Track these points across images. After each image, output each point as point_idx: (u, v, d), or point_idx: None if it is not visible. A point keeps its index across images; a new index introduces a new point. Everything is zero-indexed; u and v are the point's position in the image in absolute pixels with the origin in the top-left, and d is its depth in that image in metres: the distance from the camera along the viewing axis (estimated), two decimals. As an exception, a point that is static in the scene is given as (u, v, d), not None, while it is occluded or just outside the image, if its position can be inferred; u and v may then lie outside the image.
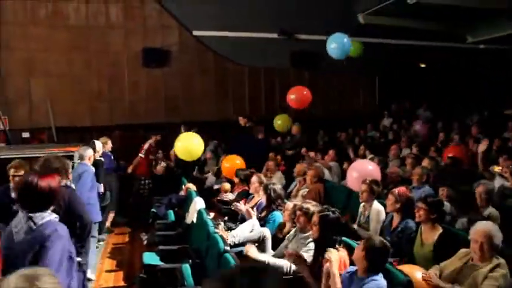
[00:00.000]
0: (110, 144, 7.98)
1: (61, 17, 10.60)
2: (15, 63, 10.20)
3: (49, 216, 2.77)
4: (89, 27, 10.75)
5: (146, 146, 8.86)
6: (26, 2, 10.32)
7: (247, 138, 9.24)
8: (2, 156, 6.61)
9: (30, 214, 2.73)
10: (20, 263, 2.58)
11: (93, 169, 5.87)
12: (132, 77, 10.96)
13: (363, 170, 6.05)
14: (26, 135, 9.99)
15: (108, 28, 10.90)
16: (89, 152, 5.94)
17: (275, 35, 11.62)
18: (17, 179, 4.43)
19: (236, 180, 6.86)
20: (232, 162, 7.37)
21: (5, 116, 9.62)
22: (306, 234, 4.35)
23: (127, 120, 10.53)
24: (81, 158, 5.83)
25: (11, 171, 4.62)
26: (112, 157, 8.04)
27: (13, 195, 4.34)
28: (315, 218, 4.02)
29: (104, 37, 10.82)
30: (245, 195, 6.40)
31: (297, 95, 8.75)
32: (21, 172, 4.49)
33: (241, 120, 9.65)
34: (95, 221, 5.60)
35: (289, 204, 5.01)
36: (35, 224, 2.71)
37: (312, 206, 4.38)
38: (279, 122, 10.28)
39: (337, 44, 8.02)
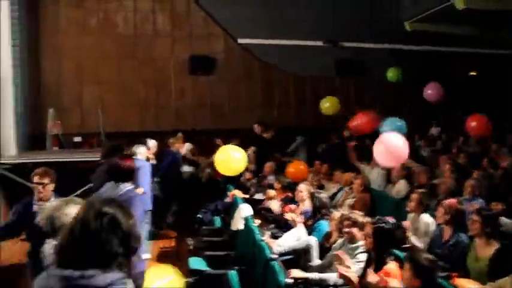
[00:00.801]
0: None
1: (111, 25, 11.00)
2: (68, 71, 10.70)
3: (130, 186, 4.06)
4: (137, 35, 11.10)
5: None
6: (79, 12, 10.76)
7: None
8: (58, 160, 6.88)
9: (118, 183, 3.98)
10: None
11: (148, 164, 6.37)
12: (179, 84, 11.22)
13: (391, 144, 5.91)
14: (77, 139, 10.35)
15: (155, 36, 11.21)
16: (141, 149, 6.51)
17: (320, 43, 11.58)
18: (40, 188, 3.96)
19: (277, 186, 6.84)
20: (297, 168, 7.37)
21: (59, 121, 10.01)
22: (355, 245, 4.28)
23: (173, 126, 10.72)
24: (134, 154, 6.18)
25: (35, 179, 4.03)
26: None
27: (35, 207, 3.93)
28: (368, 229, 3.94)
29: (151, 45, 11.12)
30: (289, 202, 6.37)
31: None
32: (46, 180, 3.99)
33: (257, 128, 9.42)
34: (147, 209, 5.91)
35: (336, 214, 4.95)
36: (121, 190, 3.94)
37: (360, 217, 4.31)
38: (327, 104, 9.90)
39: (391, 127, 7.60)
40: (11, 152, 9.47)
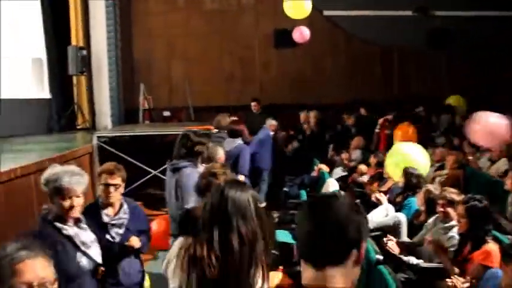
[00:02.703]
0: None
1: (198, 2, 11.23)
2: (158, 49, 11.18)
3: (239, 141, 5.64)
4: (223, 11, 11.24)
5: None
6: (167, -9, 11.15)
7: None
8: (149, 133, 7.22)
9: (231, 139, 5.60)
10: None
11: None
12: (263, 58, 11.26)
13: (487, 122, 5.30)
14: (166, 114, 10.80)
15: (240, 11, 11.29)
16: (269, 121, 7.85)
17: (409, 12, 11.02)
18: (112, 189, 3.15)
19: (373, 161, 6.69)
20: (405, 131, 7.19)
21: (150, 96, 10.50)
22: (448, 224, 4.12)
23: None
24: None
25: (105, 178, 3.18)
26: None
27: (105, 218, 3.18)
28: (460, 210, 3.77)
29: (236, 20, 11.25)
30: (378, 179, 6.24)
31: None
32: (118, 180, 3.19)
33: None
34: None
35: (428, 191, 4.75)
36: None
37: (456, 196, 4.11)
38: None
39: None
40: (107, 125, 10.12)
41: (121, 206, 3.24)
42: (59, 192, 2.72)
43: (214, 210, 1.91)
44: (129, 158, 7.27)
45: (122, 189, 3.23)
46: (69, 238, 2.75)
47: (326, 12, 11.17)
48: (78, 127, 9.91)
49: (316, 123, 9.14)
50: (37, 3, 9.38)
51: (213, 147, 4.54)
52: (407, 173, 5.17)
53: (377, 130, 8.63)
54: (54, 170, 2.81)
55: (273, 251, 5.23)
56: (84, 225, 2.84)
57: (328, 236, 1.34)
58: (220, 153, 4.52)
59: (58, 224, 2.74)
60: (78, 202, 2.75)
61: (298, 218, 1.48)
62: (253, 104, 9.60)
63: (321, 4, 11.10)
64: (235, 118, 6.75)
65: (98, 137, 7.65)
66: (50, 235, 2.68)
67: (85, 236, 2.81)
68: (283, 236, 5.18)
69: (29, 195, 5.49)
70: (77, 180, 2.74)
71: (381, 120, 8.75)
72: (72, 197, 2.71)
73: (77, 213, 2.78)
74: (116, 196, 3.18)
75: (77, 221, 2.81)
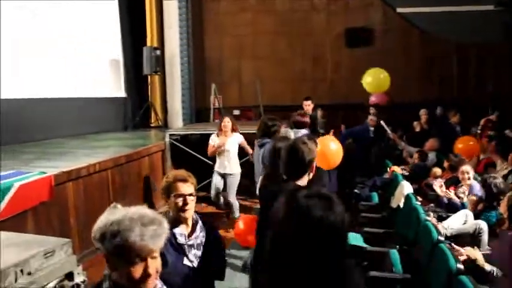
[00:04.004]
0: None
1: (268, 2, 11.25)
2: (229, 48, 11.34)
3: (305, 131, 5.68)
4: (293, 10, 11.19)
5: (483, 121, 8.55)
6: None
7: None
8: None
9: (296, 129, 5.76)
10: None
11: None
12: (335, 57, 11.11)
13: None
14: (236, 112, 10.91)
15: (311, 11, 11.19)
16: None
17: (487, 7, 10.41)
18: (189, 199, 2.46)
19: (446, 164, 6.37)
20: (466, 143, 6.92)
21: (220, 95, 10.66)
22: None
23: (328, 100, 10.68)
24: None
25: (177, 187, 2.48)
26: None
27: (180, 238, 2.46)
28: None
29: (307, 19, 11.15)
30: (454, 183, 5.91)
31: None
32: (192, 188, 2.51)
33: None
34: None
35: (514, 197, 4.41)
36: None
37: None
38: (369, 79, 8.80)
39: None
40: (179, 123, 10.38)
41: (195, 222, 2.56)
42: (124, 253, 1.58)
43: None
44: (199, 156, 7.41)
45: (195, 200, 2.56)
46: None
47: (399, 10, 10.81)
48: (152, 125, 10.25)
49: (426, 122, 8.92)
50: (115, 5, 9.79)
51: (285, 131, 5.48)
52: (487, 183, 4.80)
53: (478, 131, 8.19)
54: (113, 216, 1.65)
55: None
56: None
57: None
58: (291, 135, 5.23)
59: None
60: (155, 266, 1.63)
61: None
62: (306, 103, 7.93)
63: (394, 1, 10.78)
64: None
65: (170, 134, 7.85)
66: None
67: None
68: (354, 239, 5.05)
69: (105, 190, 5.74)
70: (153, 233, 1.60)
71: (482, 121, 8.32)
72: (146, 258, 1.59)
73: (152, 284, 1.65)
74: (192, 209, 2.52)
75: None
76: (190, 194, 2.49)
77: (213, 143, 6.48)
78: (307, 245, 1.42)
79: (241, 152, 6.75)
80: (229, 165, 6.47)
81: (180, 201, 2.46)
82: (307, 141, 2.80)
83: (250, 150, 6.51)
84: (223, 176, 6.54)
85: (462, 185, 5.64)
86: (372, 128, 8.42)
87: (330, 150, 4.83)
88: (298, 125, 5.98)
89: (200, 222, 2.58)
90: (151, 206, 5.72)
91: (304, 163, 2.71)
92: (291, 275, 1.46)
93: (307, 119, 6.17)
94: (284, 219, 1.49)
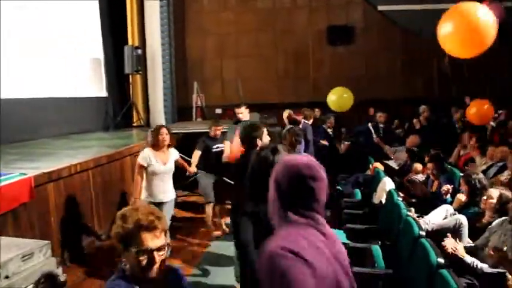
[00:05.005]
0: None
1: (250, 1, 11.24)
2: (211, 46, 11.31)
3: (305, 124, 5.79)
4: (275, 8, 11.20)
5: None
6: (220, -11, 11.24)
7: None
8: (200, 130, 7.29)
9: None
10: None
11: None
12: (317, 56, 11.15)
13: None
14: (218, 111, 10.89)
15: (293, 8, 11.22)
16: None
17: (475, 4, 10.52)
18: (159, 255, 1.73)
19: (427, 160, 6.42)
20: (480, 106, 6.86)
21: (203, 93, 10.63)
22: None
23: (311, 97, 10.72)
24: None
25: (141, 239, 1.71)
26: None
27: None
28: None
29: (289, 17, 11.18)
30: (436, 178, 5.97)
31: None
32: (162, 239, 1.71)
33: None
34: None
35: (493, 192, 4.48)
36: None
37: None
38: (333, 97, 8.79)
39: None
40: (161, 122, 10.30)
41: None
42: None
43: None
44: (182, 155, 7.36)
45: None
46: None
47: (380, 7, 10.89)
48: (134, 124, 10.17)
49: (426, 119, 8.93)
50: (95, 5, 9.69)
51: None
52: (469, 179, 4.81)
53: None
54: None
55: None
56: None
57: None
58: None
59: None
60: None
61: None
62: (239, 110, 6.28)
63: (375, -1, 10.87)
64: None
65: (152, 134, 7.77)
66: None
67: None
68: (336, 235, 5.06)
69: (86, 190, 5.68)
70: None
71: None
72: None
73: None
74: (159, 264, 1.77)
75: None
76: (159, 249, 1.75)
77: (145, 162, 4.83)
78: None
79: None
80: (164, 192, 4.98)
81: (144, 258, 1.72)
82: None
83: (189, 169, 5.86)
84: (158, 206, 4.63)
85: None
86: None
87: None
88: (293, 123, 6.31)
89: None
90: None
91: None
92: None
93: (300, 117, 6.61)
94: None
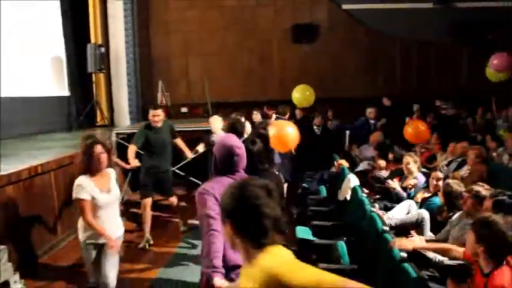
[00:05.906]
0: None
1: (215, -2, 11.20)
2: (176, 45, 11.17)
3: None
4: (241, 6, 11.18)
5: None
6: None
7: None
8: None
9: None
10: None
11: None
12: (282, 54, 11.18)
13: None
14: (184, 110, 10.81)
15: (258, 6, 11.22)
16: None
17: (430, 5, 10.79)
18: None
19: (391, 157, 6.54)
20: (417, 128, 6.98)
21: (168, 92, 10.51)
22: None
23: (276, 96, 10.74)
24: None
25: None
26: None
27: None
28: (488, 203, 3.65)
29: (254, 15, 11.17)
30: (399, 174, 6.10)
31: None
32: None
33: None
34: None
35: (456, 187, 4.55)
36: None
37: (484, 190, 3.97)
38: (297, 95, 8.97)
39: None
40: (126, 122, 10.16)
41: None
42: None
43: None
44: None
45: None
46: None
47: (345, 6, 11.01)
48: (97, 124, 9.98)
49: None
50: (56, 2, 9.45)
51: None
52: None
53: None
54: None
55: (292, 247, 5.17)
56: None
57: None
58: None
59: None
60: None
61: None
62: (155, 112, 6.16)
63: (340, -3, 10.99)
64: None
65: (117, 133, 7.68)
66: None
67: None
68: (303, 232, 5.12)
69: (48, 192, 5.54)
70: None
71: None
72: None
73: None
74: None
75: None
76: None
77: (89, 195, 3.63)
78: None
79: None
80: (112, 228, 3.77)
81: None
82: None
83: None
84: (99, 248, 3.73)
85: (407, 176, 5.83)
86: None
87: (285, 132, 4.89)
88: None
89: None
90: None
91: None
92: None
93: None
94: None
